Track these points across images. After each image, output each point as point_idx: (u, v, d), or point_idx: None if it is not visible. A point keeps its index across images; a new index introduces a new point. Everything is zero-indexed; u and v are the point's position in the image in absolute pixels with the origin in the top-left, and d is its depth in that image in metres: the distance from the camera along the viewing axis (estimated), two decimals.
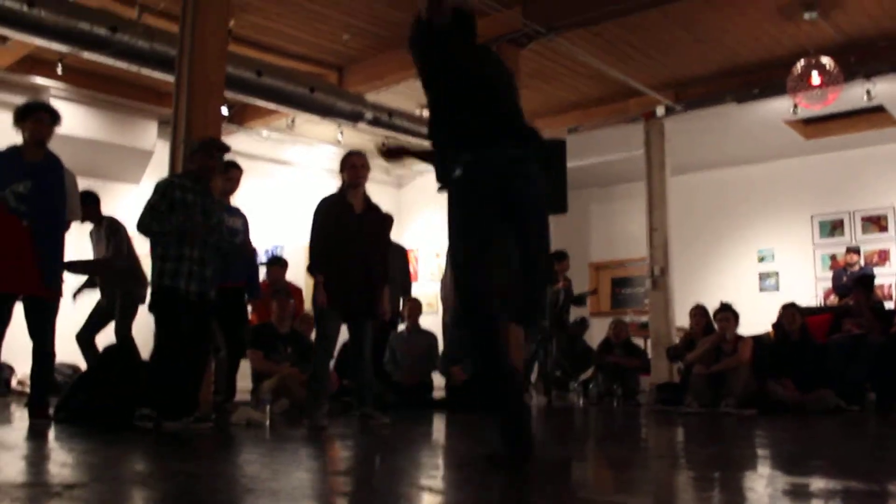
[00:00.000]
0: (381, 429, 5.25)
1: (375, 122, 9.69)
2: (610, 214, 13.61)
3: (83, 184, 5.77)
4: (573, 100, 10.54)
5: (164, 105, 9.54)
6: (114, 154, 9.87)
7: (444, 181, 3.39)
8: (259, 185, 10.62)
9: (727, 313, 7.22)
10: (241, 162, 6.39)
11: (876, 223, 11.37)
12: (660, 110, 10.18)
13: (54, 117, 5.24)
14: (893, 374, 7.02)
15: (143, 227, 4.93)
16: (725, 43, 8.78)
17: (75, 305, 6.88)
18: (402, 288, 8.14)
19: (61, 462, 3.49)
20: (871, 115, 10.12)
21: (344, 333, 5.65)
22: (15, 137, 5.20)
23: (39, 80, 9.01)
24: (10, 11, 6.60)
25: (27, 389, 6.74)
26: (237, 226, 6.11)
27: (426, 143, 3.76)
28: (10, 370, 8.33)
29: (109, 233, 6.78)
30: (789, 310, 7.31)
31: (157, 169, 9.48)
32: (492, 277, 3.26)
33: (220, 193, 5.67)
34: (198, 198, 5.04)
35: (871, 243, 11.27)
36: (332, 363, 6.89)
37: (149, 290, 5.68)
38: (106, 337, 6.85)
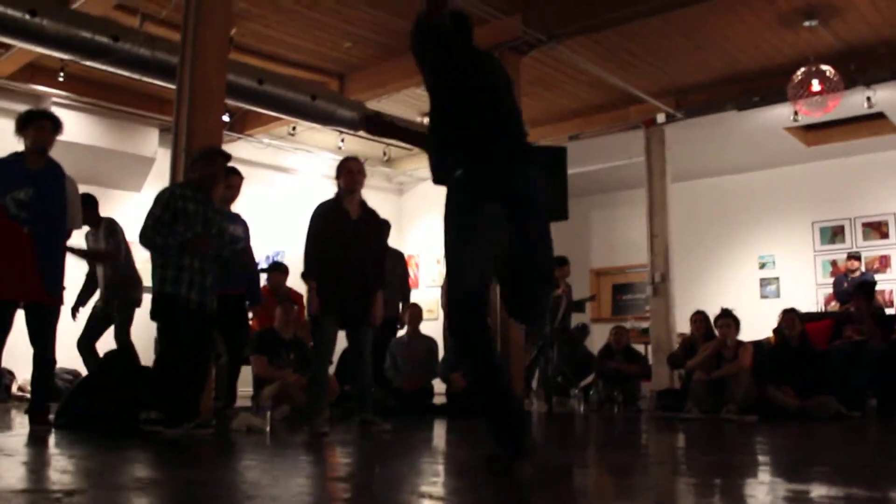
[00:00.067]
0: (381, 435, 5.25)
1: None
2: (611, 221, 13.62)
3: (84, 191, 5.79)
4: (574, 107, 10.56)
5: (166, 112, 9.57)
6: (115, 161, 9.89)
7: (439, 177, 3.41)
8: (260, 191, 10.64)
9: (728, 319, 7.21)
10: (243, 169, 6.40)
11: (877, 229, 11.37)
12: (660, 117, 10.20)
13: (56, 125, 5.26)
14: (895, 381, 7.02)
15: (145, 239, 4.92)
16: (726, 50, 8.80)
17: (76, 319, 6.91)
18: (402, 293, 8.15)
19: (61, 468, 3.49)
20: (872, 121, 10.13)
21: (344, 339, 5.66)
22: (17, 145, 5.21)
23: (41, 88, 9.05)
24: (12, 20, 6.63)
25: (28, 395, 6.75)
26: (238, 233, 6.12)
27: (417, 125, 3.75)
28: (11, 376, 8.33)
29: (108, 234, 6.83)
30: (789, 315, 7.30)
31: (159, 176, 9.50)
32: (485, 279, 3.27)
33: (220, 201, 5.67)
34: (199, 207, 5.04)
35: (871, 250, 11.28)
36: (332, 369, 6.91)
37: (146, 295, 5.81)
38: (106, 343, 6.86)
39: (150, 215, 4.93)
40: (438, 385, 8.04)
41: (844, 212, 11.56)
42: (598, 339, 10.05)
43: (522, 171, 3.31)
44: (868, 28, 8.21)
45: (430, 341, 8.08)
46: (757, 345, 7.41)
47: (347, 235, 5.39)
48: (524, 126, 3.53)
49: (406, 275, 8.44)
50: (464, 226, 3.23)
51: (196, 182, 5.15)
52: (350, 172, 5.53)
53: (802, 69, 8.18)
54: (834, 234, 11.68)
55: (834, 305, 10.43)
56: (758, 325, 8.43)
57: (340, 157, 10.89)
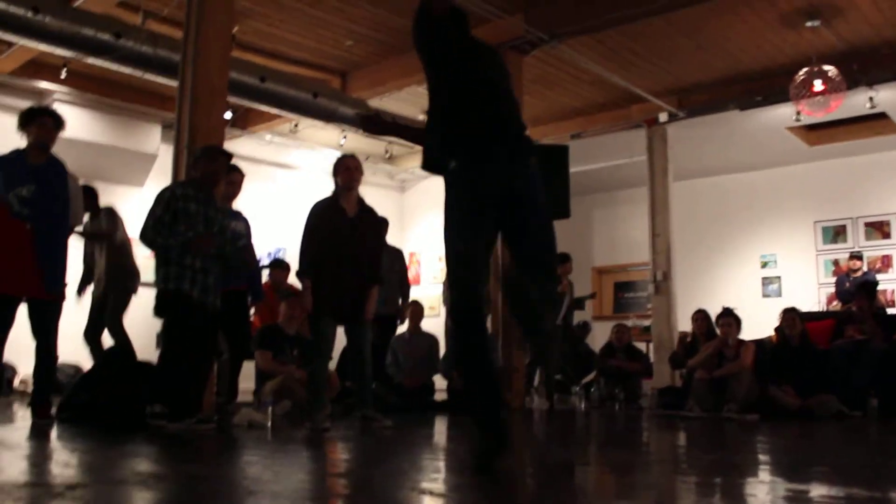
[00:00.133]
0: (382, 431, 5.26)
1: None
2: (613, 219, 13.63)
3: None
4: (576, 106, 10.56)
5: (168, 109, 9.58)
6: (117, 157, 9.91)
7: (431, 164, 3.42)
8: (262, 188, 10.65)
9: (729, 318, 7.21)
10: (244, 166, 6.41)
11: (879, 229, 11.38)
12: (662, 117, 10.21)
13: (58, 122, 5.26)
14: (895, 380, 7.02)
15: (146, 239, 4.93)
16: (728, 50, 8.81)
17: (80, 303, 6.95)
18: (401, 291, 8.16)
19: (63, 462, 3.49)
20: (874, 121, 10.13)
21: (344, 336, 5.67)
22: (19, 141, 5.22)
23: (43, 85, 9.06)
24: (14, 17, 6.64)
25: (30, 389, 6.77)
26: (240, 230, 6.13)
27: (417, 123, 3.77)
28: (13, 370, 8.34)
29: (107, 219, 6.89)
30: (789, 314, 7.31)
31: (161, 172, 9.52)
32: (482, 276, 3.32)
33: (222, 198, 5.68)
34: (200, 206, 5.03)
35: (873, 249, 11.28)
36: (333, 366, 6.92)
37: (145, 290, 5.87)
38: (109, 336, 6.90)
39: (151, 215, 4.94)
40: (439, 381, 8.06)
41: (846, 211, 11.56)
42: (599, 336, 10.07)
43: (522, 170, 3.32)
44: (870, 28, 8.21)
45: (432, 338, 8.10)
46: (759, 344, 7.41)
47: (344, 233, 5.39)
48: (522, 120, 3.54)
49: (405, 272, 8.45)
50: (463, 226, 3.26)
51: (198, 181, 5.15)
52: (347, 170, 5.53)
53: (805, 69, 8.18)
54: (836, 233, 11.68)
55: (836, 305, 10.43)
56: (759, 323, 8.43)
57: (343, 154, 10.97)
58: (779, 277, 12.09)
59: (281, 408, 6.18)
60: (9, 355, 5.28)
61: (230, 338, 5.84)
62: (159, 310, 4.90)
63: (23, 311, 5.13)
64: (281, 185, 11.66)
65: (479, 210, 3.27)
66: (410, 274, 13.26)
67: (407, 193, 13.74)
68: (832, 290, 10.80)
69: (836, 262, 11.50)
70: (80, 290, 7.11)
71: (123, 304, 6.99)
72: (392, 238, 11.17)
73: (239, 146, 10.39)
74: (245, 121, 10.56)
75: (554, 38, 8.00)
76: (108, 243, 6.99)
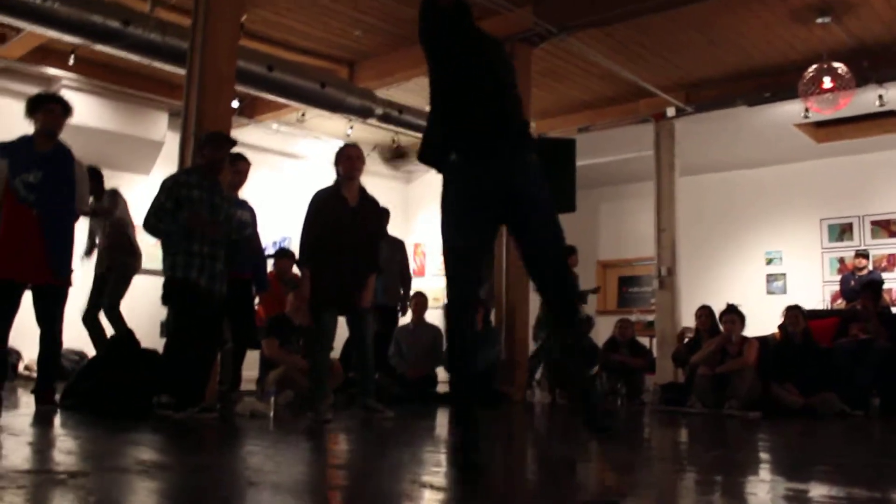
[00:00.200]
0: (384, 422, 5.27)
1: (385, 119, 9.72)
2: (619, 213, 13.61)
3: None
4: (584, 99, 10.54)
5: (175, 97, 9.56)
6: (124, 144, 9.91)
7: (429, 160, 3.43)
8: (268, 177, 10.65)
9: (733, 315, 7.20)
10: (251, 154, 6.41)
11: (885, 228, 11.34)
12: (670, 111, 10.17)
13: (66, 109, 5.27)
14: None
15: (149, 226, 4.96)
16: (738, 46, 8.76)
17: (84, 263, 6.99)
18: (402, 281, 8.17)
19: (66, 449, 3.52)
20: (884, 119, 10.08)
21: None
22: (27, 127, 5.23)
23: (52, 71, 9.06)
24: (23, 3, 6.66)
25: (34, 374, 6.80)
26: (245, 219, 6.13)
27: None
28: (18, 355, 8.37)
29: (109, 201, 6.95)
30: (793, 312, 7.30)
31: (168, 160, 9.52)
32: (477, 272, 3.34)
33: (228, 187, 5.69)
34: (204, 193, 5.04)
35: (879, 248, 11.25)
36: (337, 356, 6.94)
37: (149, 278, 5.86)
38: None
39: (154, 202, 4.96)
40: (442, 373, 8.06)
41: (853, 209, 11.53)
42: (602, 330, 10.05)
43: (522, 166, 3.32)
44: (882, 26, 8.16)
45: (435, 329, 8.08)
46: (762, 341, 7.40)
47: (345, 222, 5.38)
48: (524, 115, 3.53)
49: (406, 263, 8.44)
50: (460, 221, 3.28)
51: (203, 168, 5.16)
52: (349, 159, 5.52)
53: (814, 66, 8.14)
54: (842, 231, 11.65)
55: (840, 303, 10.42)
56: (764, 320, 8.41)
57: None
58: (784, 274, 12.06)
59: (283, 397, 6.20)
60: (13, 340, 5.31)
61: (234, 326, 5.85)
62: (167, 298, 4.91)
63: (27, 296, 5.15)
64: (287, 175, 11.66)
65: (477, 206, 3.27)
66: (415, 265, 13.30)
67: (412, 184, 13.73)
68: (837, 288, 10.77)
69: (841, 261, 11.47)
70: (86, 254, 7.19)
71: (123, 284, 7.02)
72: (397, 229, 11.17)
73: (246, 135, 10.38)
74: (252, 110, 10.55)
75: (563, 31, 7.97)
76: (108, 221, 7.05)
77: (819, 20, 7.93)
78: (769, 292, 12.01)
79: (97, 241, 7.27)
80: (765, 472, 3.59)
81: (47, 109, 5.18)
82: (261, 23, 8.38)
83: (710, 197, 12.33)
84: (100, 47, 7.42)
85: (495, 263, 8.25)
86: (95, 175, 6.76)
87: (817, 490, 2.93)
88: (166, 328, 5.17)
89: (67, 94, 8.68)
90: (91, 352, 7.14)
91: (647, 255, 11.35)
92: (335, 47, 9.14)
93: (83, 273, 7.13)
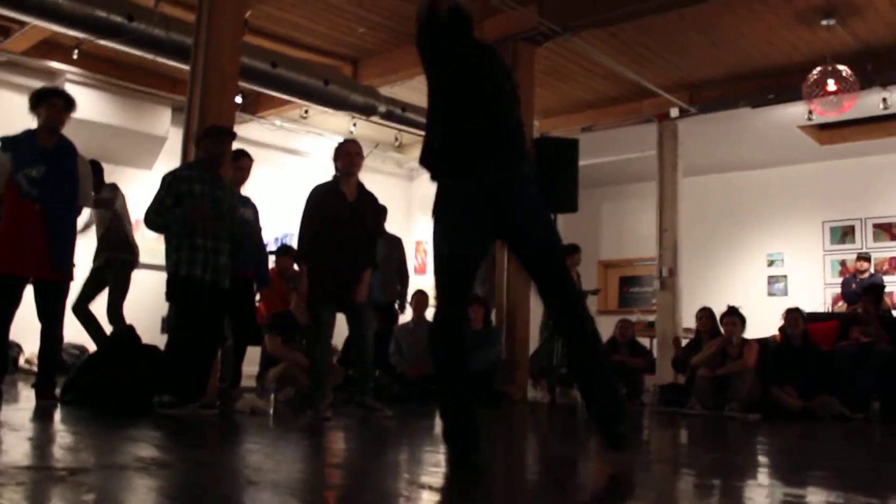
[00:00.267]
0: (383, 421, 5.27)
1: (388, 116, 9.72)
2: (621, 213, 13.60)
3: None
4: (588, 99, 10.53)
5: (179, 92, 9.59)
6: (127, 139, 9.92)
7: (427, 166, 3.44)
8: (271, 174, 10.66)
9: (734, 317, 7.20)
10: (254, 151, 6.41)
11: (887, 231, 11.33)
12: (673, 112, 10.17)
13: (68, 103, 5.27)
14: None
15: (149, 222, 4.95)
16: (741, 47, 8.76)
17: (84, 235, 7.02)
18: (399, 278, 8.16)
19: (66, 446, 3.52)
20: (887, 122, 10.07)
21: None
22: (32, 121, 5.24)
23: (56, 65, 9.07)
24: None
25: (35, 368, 6.81)
26: (248, 216, 6.13)
27: None
28: (18, 348, 8.38)
29: (108, 192, 6.95)
30: (792, 314, 7.30)
31: (170, 155, 9.53)
32: (468, 282, 3.35)
33: (230, 183, 5.68)
34: (206, 188, 5.02)
35: (881, 251, 11.24)
36: (337, 355, 6.94)
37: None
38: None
39: (154, 199, 4.96)
40: None
41: (855, 212, 11.52)
42: (603, 330, 10.02)
43: (517, 177, 3.32)
44: (887, 28, 8.15)
45: None
46: (763, 343, 7.40)
47: (344, 217, 5.37)
48: (521, 126, 3.52)
49: (403, 260, 8.42)
50: (452, 231, 3.29)
51: (203, 162, 5.14)
52: (348, 155, 5.52)
53: (818, 68, 8.13)
54: (844, 234, 11.64)
55: (841, 306, 10.41)
56: (765, 322, 8.41)
57: None
58: (785, 276, 12.06)
59: (284, 395, 6.21)
60: (13, 333, 5.32)
61: (235, 323, 5.85)
62: (171, 296, 4.90)
63: (28, 290, 5.16)
64: (289, 171, 11.66)
65: (469, 217, 3.26)
66: (417, 263, 13.32)
67: (416, 182, 13.72)
68: (838, 290, 10.77)
69: (843, 263, 11.46)
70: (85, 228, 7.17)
71: (124, 284, 7.02)
72: (399, 227, 11.17)
73: (248, 131, 10.40)
74: (255, 106, 10.56)
75: (567, 31, 7.96)
76: (101, 215, 7.04)
77: (824, 22, 7.92)
78: (770, 294, 12.01)
79: (96, 231, 7.25)
80: (763, 477, 3.59)
81: (49, 104, 5.18)
82: (265, 19, 8.38)
83: (712, 198, 12.33)
84: (104, 42, 7.42)
85: (496, 263, 8.25)
86: (96, 168, 6.76)
87: (815, 496, 2.93)
88: (168, 324, 5.17)
89: (71, 89, 8.71)
90: (91, 346, 7.18)
91: (648, 256, 11.35)
92: (339, 44, 9.14)
93: (83, 268, 7.16)
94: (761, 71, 9.33)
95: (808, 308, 9.28)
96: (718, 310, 7.57)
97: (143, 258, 9.01)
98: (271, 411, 5.32)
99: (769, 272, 12.21)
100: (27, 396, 5.46)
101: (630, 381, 8.48)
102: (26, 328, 5.44)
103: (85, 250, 7.15)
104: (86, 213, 6.54)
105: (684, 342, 8.95)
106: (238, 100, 8.07)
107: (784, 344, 7.31)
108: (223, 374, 5.93)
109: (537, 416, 6.75)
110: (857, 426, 6.41)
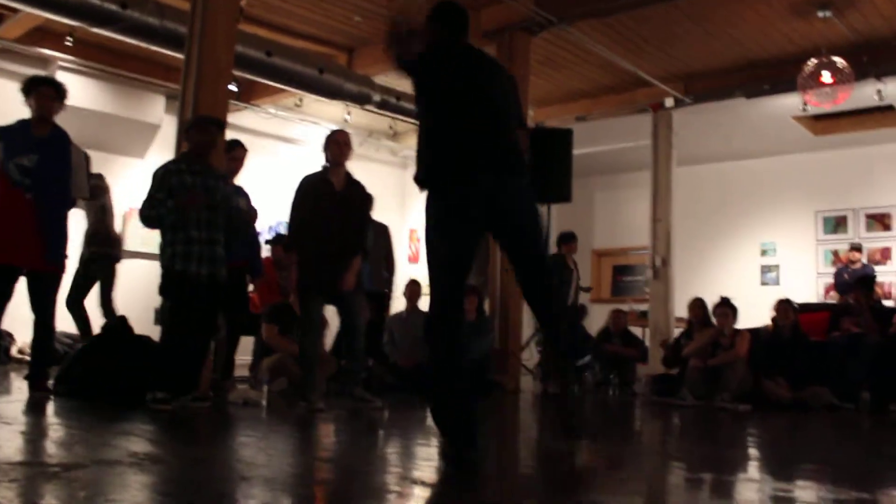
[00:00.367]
0: (374, 412, 5.28)
1: (383, 105, 9.69)
2: (614, 202, 13.61)
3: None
4: (583, 88, 10.51)
5: (172, 80, 9.52)
6: (120, 127, 9.87)
7: (423, 182, 3.47)
8: (265, 162, 10.61)
9: (725, 308, 7.23)
10: (248, 139, 6.39)
11: (880, 221, 11.36)
12: (668, 102, 10.15)
13: (59, 92, 5.22)
14: (890, 374, 7.04)
15: (143, 217, 4.90)
16: (737, 38, 8.74)
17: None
18: (386, 267, 8.14)
19: (59, 440, 3.53)
20: (881, 113, 10.08)
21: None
22: (24, 108, 5.20)
23: (48, 52, 9.00)
24: None
25: (27, 358, 6.81)
26: (241, 206, 6.11)
27: None
28: (11, 338, 8.37)
29: (97, 189, 6.93)
30: (783, 305, 7.33)
31: (164, 143, 9.50)
32: (464, 280, 3.41)
33: (224, 173, 5.66)
34: (196, 178, 4.97)
35: (873, 241, 11.28)
36: (330, 345, 6.95)
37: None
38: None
39: (147, 195, 4.92)
40: None
41: (848, 202, 11.54)
42: (596, 319, 10.07)
43: (513, 189, 3.38)
44: (882, 20, 8.14)
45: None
46: (754, 333, 7.43)
47: (332, 207, 5.36)
48: (518, 138, 3.55)
49: (390, 248, 8.41)
50: (446, 231, 3.33)
51: (190, 153, 5.10)
52: (337, 144, 5.52)
53: (814, 60, 8.12)
54: (837, 223, 11.67)
55: (833, 295, 10.46)
56: (757, 311, 8.44)
57: (347, 130, 10.89)
58: (778, 266, 12.09)
59: (277, 385, 6.22)
60: (6, 323, 5.31)
61: (227, 315, 5.85)
62: (164, 290, 4.88)
63: (22, 281, 5.14)
64: (283, 160, 11.62)
65: (468, 217, 3.34)
66: (411, 252, 13.32)
67: (410, 170, 13.68)
68: (831, 280, 10.81)
69: (835, 253, 11.50)
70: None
71: (111, 278, 7.03)
72: (394, 215, 11.17)
73: (243, 119, 10.36)
74: (249, 94, 10.50)
75: (563, 21, 7.94)
76: (89, 206, 7.02)
77: (819, 13, 7.90)
78: (763, 283, 12.05)
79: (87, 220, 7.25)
80: (753, 471, 3.62)
81: (39, 93, 5.14)
82: (260, 6, 8.32)
83: (706, 187, 12.34)
84: (97, 30, 7.37)
85: (489, 253, 8.25)
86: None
87: (805, 491, 2.96)
88: (161, 316, 5.16)
89: (64, 76, 8.67)
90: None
91: (641, 245, 11.37)
92: (334, 33, 9.10)
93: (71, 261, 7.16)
94: (756, 62, 9.32)
95: (800, 298, 9.33)
96: (711, 299, 7.59)
97: (135, 248, 9.02)
98: (264, 402, 5.33)
99: (762, 261, 12.25)
100: (20, 388, 5.46)
101: (622, 371, 8.54)
102: (17, 317, 5.42)
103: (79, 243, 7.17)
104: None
105: (676, 332, 8.98)
106: (233, 88, 8.03)
107: (775, 335, 7.34)
108: (215, 366, 5.93)
109: (529, 407, 6.78)
110: (847, 417, 6.46)
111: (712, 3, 7.88)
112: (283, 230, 10.04)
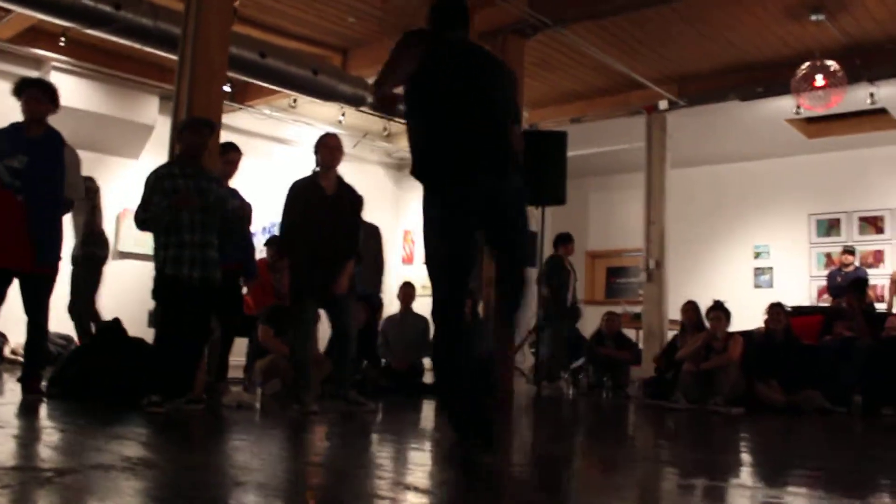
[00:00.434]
0: (368, 415, 5.28)
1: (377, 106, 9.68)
2: (608, 204, 13.64)
3: (82, 156, 5.73)
4: (577, 90, 10.53)
5: (167, 80, 9.52)
6: (114, 128, 9.86)
7: (419, 176, 3.48)
8: (258, 163, 10.60)
9: (718, 312, 7.24)
10: (242, 140, 6.39)
11: (872, 224, 11.41)
12: (662, 104, 10.19)
13: (50, 94, 5.20)
14: (881, 378, 7.07)
15: (139, 221, 4.90)
16: (731, 41, 8.78)
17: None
18: (376, 268, 8.11)
19: (52, 444, 3.52)
20: (874, 116, 10.13)
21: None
22: (17, 108, 5.18)
23: (42, 52, 8.99)
24: None
25: (20, 358, 6.79)
26: (235, 205, 6.10)
27: None
28: (4, 338, 8.35)
29: (88, 190, 6.91)
30: (774, 309, 7.35)
31: (158, 144, 9.48)
32: (466, 274, 3.44)
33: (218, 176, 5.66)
34: (190, 181, 4.97)
35: (866, 244, 11.32)
36: (324, 348, 6.94)
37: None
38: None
39: (140, 201, 4.90)
40: (429, 363, 8.07)
41: (841, 205, 11.60)
42: (590, 319, 10.08)
43: (508, 189, 3.39)
44: (875, 24, 8.18)
45: (423, 320, 8.05)
46: (747, 336, 7.45)
47: (323, 212, 5.36)
48: (514, 139, 3.56)
49: (380, 250, 8.36)
50: (446, 227, 3.34)
51: (182, 156, 5.09)
52: (328, 148, 5.50)
53: (807, 63, 8.16)
54: (830, 226, 11.72)
55: (827, 298, 10.49)
56: (750, 314, 8.46)
57: (341, 131, 10.89)
58: (771, 268, 12.14)
59: (270, 387, 6.22)
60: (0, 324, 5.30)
61: (221, 317, 5.84)
62: (156, 294, 4.87)
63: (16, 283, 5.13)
64: (277, 161, 11.62)
65: (465, 219, 3.35)
66: (404, 253, 13.33)
67: (404, 171, 13.69)
68: (824, 283, 10.85)
69: (828, 256, 11.54)
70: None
71: (96, 276, 7.01)
72: (388, 216, 11.15)
73: (236, 120, 10.35)
74: (243, 94, 10.50)
75: (557, 23, 7.96)
76: (80, 207, 6.99)
77: (812, 17, 7.95)
78: (756, 286, 12.09)
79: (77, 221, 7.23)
80: (746, 476, 3.62)
81: (28, 95, 5.12)
82: (254, 7, 8.32)
83: (699, 189, 12.37)
84: (90, 31, 7.36)
85: (482, 256, 8.24)
86: None
87: (798, 499, 2.96)
88: (154, 319, 5.15)
89: (58, 77, 8.67)
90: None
91: (635, 246, 11.39)
92: (328, 34, 9.10)
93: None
94: (750, 64, 9.35)
95: (794, 300, 9.36)
96: (704, 302, 7.61)
97: (128, 249, 9.01)
98: (258, 405, 5.32)
99: (755, 264, 12.29)
100: (13, 390, 5.44)
101: (615, 374, 8.55)
102: (11, 318, 5.41)
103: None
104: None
105: (670, 334, 9.01)
106: (226, 89, 8.02)
107: (767, 338, 7.36)
108: (209, 368, 5.93)
109: (522, 410, 6.78)
110: (839, 420, 6.49)
111: (706, 6, 7.91)
112: (278, 231, 10.03)
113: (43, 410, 4.60)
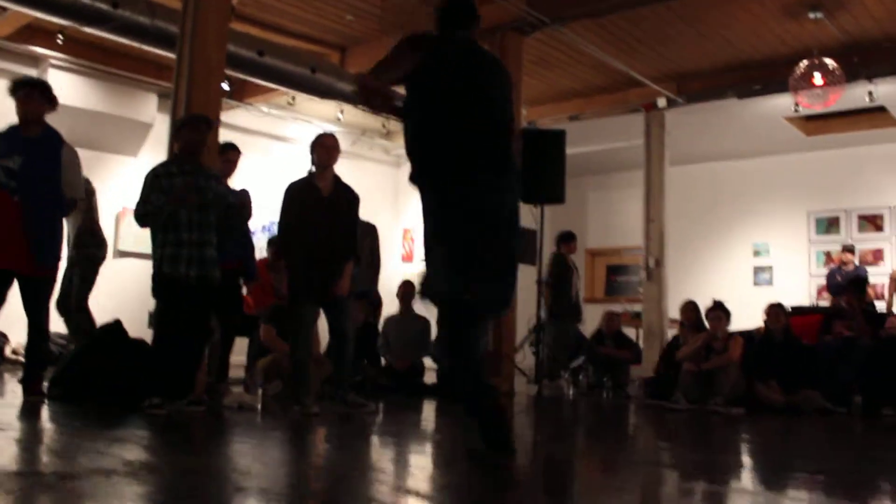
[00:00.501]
0: (368, 416, 5.27)
1: None
2: (607, 202, 13.64)
3: (80, 155, 5.71)
4: (575, 88, 10.52)
5: (165, 78, 9.50)
6: (113, 126, 9.84)
7: (419, 175, 3.48)
8: (257, 160, 10.60)
9: (718, 312, 7.23)
10: (240, 138, 6.38)
11: (872, 222, 11.42)
12: (661, 102, 10.18)
13: (42, 93, 5.17)
14: (881, 377, 7.07)
15: (139, 217, 4.89)
16: (729, 39, 8.77)
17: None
18: (372, 267, 8.10)
19: (54, 448, 3.51)
20: (873, 114, 10.13)
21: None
22: (12, 106, 5.17)
23: (39, 50, 8.97)
24: None
25: (21, 359, 6.78)
26: (234, 200, 6.08)
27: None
28: (4, 338, 8.34)
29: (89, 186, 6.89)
30: (774, 309, 7.35)
31: (156, 142, 9.48)
32: (461, 283, 3.41)
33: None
34: (187, 178, 4.95)
35: (866, 242, 11.33)
36: (323, 349, 6.93)
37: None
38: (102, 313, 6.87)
39: (139, 199, 4.89)
40: (430, 362, 8.07)
41: (841, 203, 11.60)
42: (589, 317, 10.08)
43: (506, 191, 3.39)
44: (873, 22, 8.18)
45: (423, 320, 8.05)
46: (747, 336, 7.45)
47: (319, 214, 5.34)
48: (511, 140, 3.56)
49: (376, 248, 8.35)
50: (446, 226, 3.33)
51: (182, 154, 5.07)
52: (325, 147, 5.49)
53: (805, 62, 8.16)
54: (829, 224, 11.73)
55: (826, 297, 10.50)
56: (750, 312, 8.47)
57: (340, 128, 10.88)
58: (770, 267, 12.14)
59: (272, 387, 6.21)
60: (0, 324, 5.28)
61: (221, 318, 5.83)
62: (155, 292, 4.86)
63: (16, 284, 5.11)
64: (276, 158, 11.60)
65: (465, 219, 3.36)
66: (404, 251, 13.32)
67: (403, 169, 13.68)
68: (823, 281, 10.86)
69: (828, 254, 11.55)
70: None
71: (92, 275, 6.98)
72: (387, 214, 11.13)
73: (235, 118, 10.33)
74: (242, 92, 10.48)
75: (555, 21, 7.95)
76: (81, 205, 6.98)
77: (811, 15, 7.94)
78: (756, 284, 12.09)
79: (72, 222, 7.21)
80: (746, 477, 3.63)
81: (22, 95, 5.09)
82: (252, 5, 8.31)
83: (698, 187, 12.37)
84: (88, 29, 7.34)
85: None
86: None
87: (798, 499, 2.97)
88: (154, 320, 5.14)
89: (55, 74, 8.65)
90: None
91: (634, 244, 11.39)
92: (327, 32, 9.08)
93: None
94: (748, 62, 9.35)
95: (793, 299, 9.37)
96: (704, 300, 7.60)
97: (128, 248, 9.00)
98: (259, 406, 5.32)
99: (755, 262, 12.29)
100: (13, 390, 5.43)
101: (616, 374, 8.54)
102: (12, 319, 5.39)
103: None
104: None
105: (670, 333, 9.01)
106: (225, 87, 8.01)
107: (766, 338, 7.36)
108: (210, 369, 5.92)
109: (522, 410, 6.78)
110: (839, 420, 6.49)
111: (705, 4, 7.91)
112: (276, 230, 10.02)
113: (44, 413, 4.59)
